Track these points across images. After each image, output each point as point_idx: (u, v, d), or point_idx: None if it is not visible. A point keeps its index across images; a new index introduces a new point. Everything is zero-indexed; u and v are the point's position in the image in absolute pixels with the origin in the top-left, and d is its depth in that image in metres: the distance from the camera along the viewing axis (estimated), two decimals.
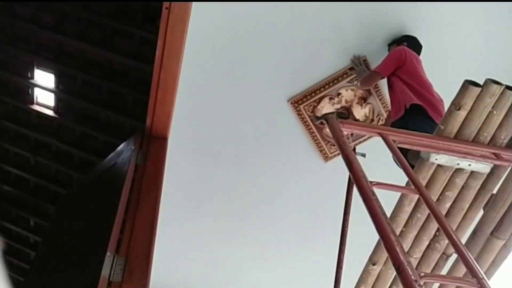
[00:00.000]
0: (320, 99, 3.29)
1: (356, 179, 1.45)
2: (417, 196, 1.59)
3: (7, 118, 4.63)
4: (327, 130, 1.76)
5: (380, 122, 3.39)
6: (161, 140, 2.63)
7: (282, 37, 3.10)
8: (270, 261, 4.24)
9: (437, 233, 1.88)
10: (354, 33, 3.08)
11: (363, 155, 2.49)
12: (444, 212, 1.83)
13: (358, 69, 3.07)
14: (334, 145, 3.43)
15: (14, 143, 4.81)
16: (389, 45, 3.06)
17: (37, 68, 4.18)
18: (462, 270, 1.90)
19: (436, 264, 1.95)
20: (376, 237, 1.31)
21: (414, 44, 2.97)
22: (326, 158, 3.56)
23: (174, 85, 2.40)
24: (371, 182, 1.43)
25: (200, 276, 4.49)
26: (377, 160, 2.38)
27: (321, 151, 3.53)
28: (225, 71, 3.26)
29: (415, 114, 2.53)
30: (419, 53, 2.96)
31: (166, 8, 2.09)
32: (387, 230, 1.22)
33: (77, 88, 4.18)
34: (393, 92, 2.79)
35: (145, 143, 2.58)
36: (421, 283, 1.07)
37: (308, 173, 3.67)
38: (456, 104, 1.70)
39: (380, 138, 1.71)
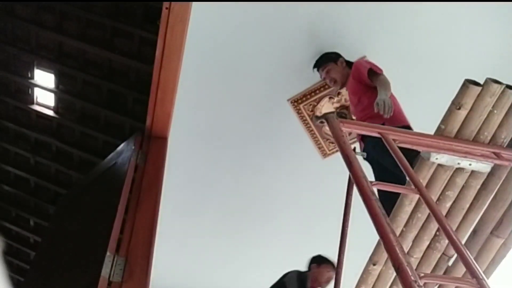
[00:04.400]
0: (320, 98, 3.29)
1: (356, 179, 1.45)
2: (417, 196, 1.59)
3: (7, 118, 4.64)
4: (326, 127, 1.75)
5: None
6: (161, 140, 2.63)
7: (282, 37, 3.10)
8: (270, 261, 4.24)
9: (437, 233, 1.87)
10: (354, 32, 3.08)
11: (363, 155, 2.49)
12: (444, 211, 1.82)
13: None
14: (332, 142, 3.44)
15: (14, 143, 4.81)
16: (321, 65, 3.01)
17: (37, 68, 4.18)
18: (462, 270, 1.90)
19: (436, 265, 1.95)
20: (376, 237, 1.31)
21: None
22: (325, 155, 3.57)
23: (174, 85, 2.41)
24: (371, 182, 1.43)
25: (200, 276, 4.49)
26: None
27: (319, 148, 3.54)
28: (225, 70, 3.25)
29: None
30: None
31: (166, 8, 2.09)
32: (387, 230, 1.22)
33: (77, 88, 4.18)
34: (371, 99, 2.54)
35: (145, 143, 2.58)
36: (421, 283, 1.07)
37: (306, 170, 3.67)
38: (457, 104, 1.69)
39: None
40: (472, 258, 1.24)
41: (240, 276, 4.44)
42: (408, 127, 2.51)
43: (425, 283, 1.16)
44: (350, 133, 2.74)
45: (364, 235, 1.88)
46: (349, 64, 2.99)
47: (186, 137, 3.41)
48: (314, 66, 3.06)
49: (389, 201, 1.85)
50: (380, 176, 2.44)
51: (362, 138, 2.61)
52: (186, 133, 3.40)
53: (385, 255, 1.86)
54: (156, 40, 2.23)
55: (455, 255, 1.87)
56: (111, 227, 1.95)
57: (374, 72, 2.65)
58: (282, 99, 3.32)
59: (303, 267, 3.29)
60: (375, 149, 2.34)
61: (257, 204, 3.90)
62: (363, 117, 2.65)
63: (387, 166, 2.29)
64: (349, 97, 2.94)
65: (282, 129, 3.47)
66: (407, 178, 1.57)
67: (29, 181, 5.08)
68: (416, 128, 2.39)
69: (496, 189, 1.82)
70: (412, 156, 1.82)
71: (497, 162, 1.73)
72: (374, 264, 1.93)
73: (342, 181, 1.81)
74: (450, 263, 1.97)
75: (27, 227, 5.50)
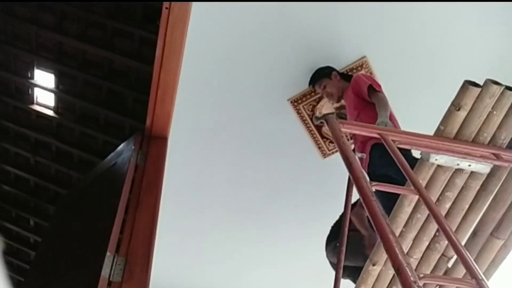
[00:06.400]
0: (320, 98, 3.29)
1: (356, 179, 1.45)
2: (416, 196, 1.59)
3: (7, 118, 4.64)
4: (326, 128, 1.75)
5: None
6: (161, 140, 2.63)
7: (282, 37, 3.10)
8: (270, 260, 4.24)
9: (437, 234, 1.87)
10: (354, 33, 3.08)
11: (363, 155, 2.48)
12: (444, 212, 1.82)
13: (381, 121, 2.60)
14: (332, 142, 3.44)
15: (14, 143, 4.82)
16: (316, 79, 3.08)
17: (37, 68, 4.19)
18: (461, 271, 1.90)
19: (436, 265, 1.95)
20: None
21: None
22: (325, 155, 3.58)
23: (174, 85, 2.41)
24: (370, 182, 1.43)
25: (200, 276, 4.49)
26: None
27: (319, 148, 3.54)
28: (225, 70, 3.26)
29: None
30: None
31: (166, 8, 2.09)
32: (386, 231, 1.22)
33: (77, 88, 4.19)
34: (370, 116, 2.56)
35: (145, 143, 2.58)
36: (420, 284, 1.07)
37: (306, 170, 3.67)
38: (456, 105, 1.69)
39: None
40: (471, 259, 1.24)
41: (240, 276, 4.44)
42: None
43: (424, 284, 1.16)
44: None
45: None
46: (343, 76, 3.03)
47: (186, 137, 3.42)
48: (310, 83, 3.12)
49: (388, 202, 1.85)
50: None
51: (363, 149, 2.60)
52: (186, 133, 3.40)
53: (384, 255, 1.86)
54: (156, 40, 2.23)
55: (455, 256, 1.87)
56: (111, 227, 1.95)
57: (373, 89, 2.66)
58: (282, 99, 3.32)
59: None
60: (382, 158, 2.32)
61: (257, 204, 3.90)
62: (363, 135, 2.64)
63: (392, 175, 2.26)
64: (348, 109, 2.95)
65: (282, 129, 3.47)
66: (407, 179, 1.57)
67: (29, 181, 5.09)
68: (415, 128, 2.39)
69: (496, 190, 1.82)
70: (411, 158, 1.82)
71: (497, 163, 1.72)
72: (373, 265, 1.93)
73: (342, 181, 1.81)
74: (450, 264, 1.97)
75: (27, 227, 5.51)
